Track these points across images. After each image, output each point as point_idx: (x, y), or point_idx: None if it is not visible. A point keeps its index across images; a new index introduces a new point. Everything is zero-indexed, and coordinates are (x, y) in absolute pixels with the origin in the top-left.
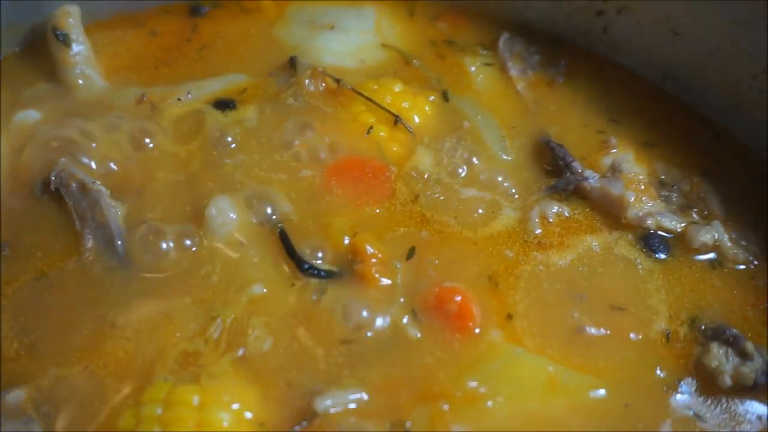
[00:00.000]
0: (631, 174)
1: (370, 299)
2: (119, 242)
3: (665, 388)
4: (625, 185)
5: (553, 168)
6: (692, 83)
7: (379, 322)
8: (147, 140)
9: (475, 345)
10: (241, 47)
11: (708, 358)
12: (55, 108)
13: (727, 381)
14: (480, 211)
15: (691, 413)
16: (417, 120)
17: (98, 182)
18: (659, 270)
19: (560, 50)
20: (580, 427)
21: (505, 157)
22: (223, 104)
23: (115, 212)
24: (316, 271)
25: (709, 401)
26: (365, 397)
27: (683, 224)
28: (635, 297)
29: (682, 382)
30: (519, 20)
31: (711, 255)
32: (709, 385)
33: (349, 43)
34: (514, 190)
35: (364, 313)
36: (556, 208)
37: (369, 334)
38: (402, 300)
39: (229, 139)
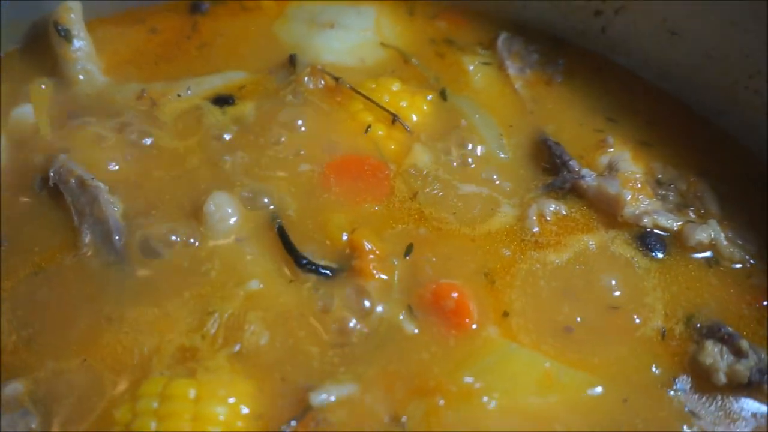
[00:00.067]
0: (627, 173)
1: (368, 295)
2: (117, 237)
3: (660, 386)
4: (622, 184)
5: (550, 166)
6: (689, 83)
7: (376, 317)
8: (146, 136)
9: (471, 341)
10: (241, 45)
11: (703, 355)
12: (55, 103)
13: (722, 378)
14: (477, 208)
15: (686, 410)
16: (415, 118)
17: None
18: (656, 268)
19: (558, 50)
20: (576, 422)
21: (502, 155)
22: (222, 100)
23: (114, 208)
24: (313, 267)
25: (704, 398)
26: (360, 391)
27: (680, 223)
28: (631, 295)
29: (677, 380)
30: (518, 20)
31: (707, 253)
32: (704, 382)
33: (349, 41)
34: (511, 188)
35: (361, 309)
36: (554, 206)
37: (365, 329)
38: (399, 296)
39: (228, 135)
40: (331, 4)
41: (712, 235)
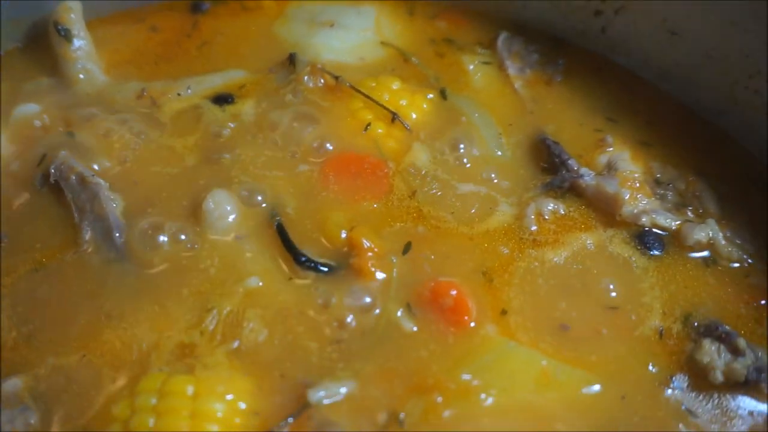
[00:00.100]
0: (626, 172)
1: (366, 293)
2: (117, 234)
3: (657, 384)
4: (621, 183)
5: (549, 165)
6: (689, 83)
7: (374, 315)
8: (146, 135)
9: (469, 339)
10: (241, 44)
11: (700, 354)
12: (55, 102)
13: (719, 377)
14: (476, 207)
15: (683, 408)
16: (414, 117)
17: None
18: (653, 267)
19: (558, 50)
20: (574, 420)
21: (501, 154)
22: (222, 99)
23: (114, 205)
24: (312, 264)
25: (701, 397)
26: (359, 388)
27: (678, 222)
28: (629, 294)
29: (674, 378)
30: (518, 20)
31: (705, 253)
32: (701, 381)
33: (349, 40)
34: (510, 187)
35: (360, 306)
36: (552, 205)
37: (364, 327)
38: (397, 294)
39: (227, 133)
40: (331, 4)
41: (711, 235)
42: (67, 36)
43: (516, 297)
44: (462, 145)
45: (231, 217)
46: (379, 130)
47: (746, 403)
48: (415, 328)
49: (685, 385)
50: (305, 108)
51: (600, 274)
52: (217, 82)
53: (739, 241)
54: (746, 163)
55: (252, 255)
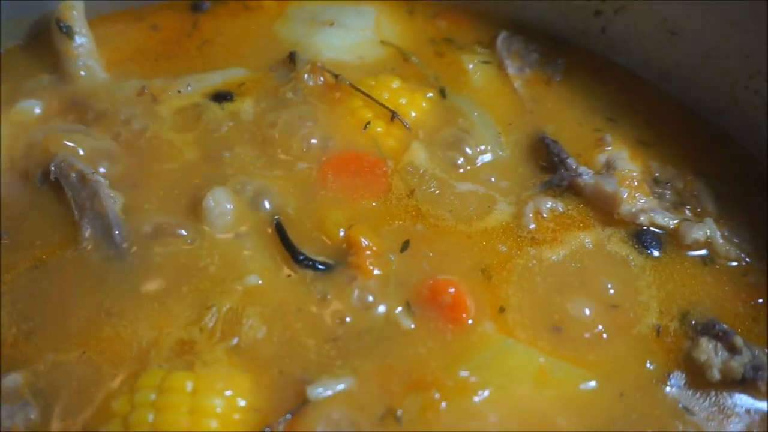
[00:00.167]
0: (625, 171)
1: (364, 290)
2: (117, 232)
3: (655, 381)
4: (619, 182)
5: (547, 164)
6: (688, 83)
7: (373, 312)
8: (146, 132)
9: (467, 336)
10: (241, 44)
11: (697, 352)
12: (56, 98)
13: (716, 375)
14: (474, 206)
15: (680, 406)
16: (414, 116)
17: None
18: (651, 266)
19: (558, 49)
20: (571, 417)
21: (500, 153)
22: (221, 97)
23: (114, 202)
24: (311, 262)
25: (698, 395)
26: (357, 385)
27: (676, 221)
28: (627, 292)
29: (671, 376)
30: (518, 20)
31: (703, 251)
32: (698, 378)
33: (349, 39)
34: (508, 186)
35: (358, 304)
36: (550, 203)
37: (362, 324)
38: (396, 291)
39: (226, 131)
40: (331, 3)
41: (708, 234)
42: (68, 33)
43: (514, 295)
44: (461, 144)
45: (230, 215)
46: (379, 129)
47: (743, 401)
48: (413, 326)
49: (683, 382)
50: (305, 106)
51: (598, 273)
52: (217, 79)
53: (737, 240)
54: (745, 163)
55: (251, 253)
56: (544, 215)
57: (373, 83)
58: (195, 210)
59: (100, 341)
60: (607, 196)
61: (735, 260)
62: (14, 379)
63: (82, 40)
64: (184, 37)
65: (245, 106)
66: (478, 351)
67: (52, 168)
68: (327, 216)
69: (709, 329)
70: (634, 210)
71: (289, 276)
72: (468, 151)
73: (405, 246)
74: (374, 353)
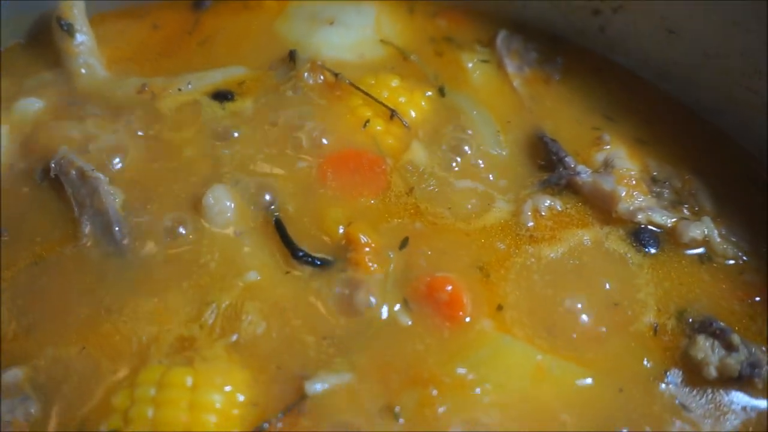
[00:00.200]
0: (623, 170)
1: (363, 287)
2: (117, 229)
3: (652, 379)
4: (617, 180)
5: (546, 163)
6: (686, 82)
7: (371, 309)
8: (146, 130)
9: (464, 333)
10: (241, 42)
11: (694, 349)
12: (57, 96)
13: (713, 372)
14: (473, 203)
15: (677, 403)
16: (413, 114)
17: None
18: (649, 264)
19: (557, 48)
20: (569, 414)
21: (499, 151)
22: (222, 95)
23: (114, 199)
24: (310, 259)
25: (694, 392)
26: (355, 381)
27: (673, 219)
28: (625, 290)
29: (668, 373)
30: (517, 19)
31: (700, 250)
32: (695, 376)
33: (349, 37)
34: (507, 184)
35: (356, 301)
36: (549, 201)
37: (360, 320)
38: (394, 288)
39: (226, 129)
40: (331, 2)
41: (706, 232)
42: (69, 31)
43: (512, 292)
44: (460, 143)
45: (230, 213)
46: (378, 127)
47: (740, 398)
48: (410, 323)
49: (680, 380)
50: (305, 105)
51: (596, 271)
52: (217, 78)
53: (734, 239)
54: (743, 162)
55: (251, 249)
56: (543, 213)
57: (373, 82)
58: (195, 207)
59: (100, 337)
60: (605, 195)
61: (732, 258)
62: (15, 374)
63: (83, 38)
64: (184, 36)
65: (246, 105)
66: (475, 348)
67: (52, 165)
68: (326, 213)
69: (706, 327)
70: (632, 208)
71: (288, 272)
72: (467, 149)
73: (404, 243)
74: (372, 350)
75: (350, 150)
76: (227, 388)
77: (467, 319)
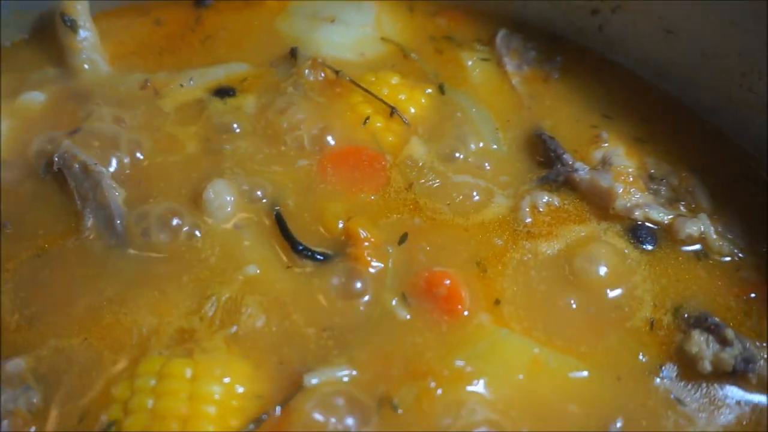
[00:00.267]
0: (620, 167)
1: (362, 281)
2: (119, 222)
3: (647, 373)
4: (614, 177)
5: (544, 160)
6: (684, 81)
7: (370, 303)
8: (148, 125)
9: (462, 327)
10: (243, 39)
11: (689, 344)
12: (60, 91)
13: (707, 366)
14: (472, 199)
15: (672, 397)
16: (413, 111)
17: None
18: (646, 260)
19: (556, 47)
20: (565, 406)
21: (498, 148)
22: (223, 92)
23: (116, 193)
24: (309, 253)
25: (689, 386)
26: (353, 374)
27: (670, 216)
28: (621, 286)
29: (663, 368)
30: (517, 18)
31: (697, 247)
32: (690, 370)
33: (349, 35)
34: (506, 181)
35: (356, 294)
36: (547, 198)
37: (359, 314)
38: (393, 283)
39: (228, 125)
40: (332, 1)
41: (702, 229)
42: (73, 27)
43: (509, 287)
44: (459, 140)
45: (230, 207)
46: (378, 124)
47: (734, 392)
48: (409, 317)
49: (675, 374)
50: (305, 101)
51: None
52: (219, 74)
53: (730, 236)
54: (740, 161)
55: (250, 243)
56: (541, 209)
57: (373, 79)
58: (196, 201)
59: (102, 328)
60: (603, 191)
61: (728, 255)
62: (17, 364)
63: (86, 34)
64: (187, 32)
65: (247, 101)
66: (473, 341)
67: (56, 159)
68: (326, 208)
69: (701, 322)
70: (629, 205)
71: (288, 266)
72: (466, 146)
73: (403, 238)
74: (371, 343)
75: (350, 146)
76: (226, 380)
77: (465, 313)
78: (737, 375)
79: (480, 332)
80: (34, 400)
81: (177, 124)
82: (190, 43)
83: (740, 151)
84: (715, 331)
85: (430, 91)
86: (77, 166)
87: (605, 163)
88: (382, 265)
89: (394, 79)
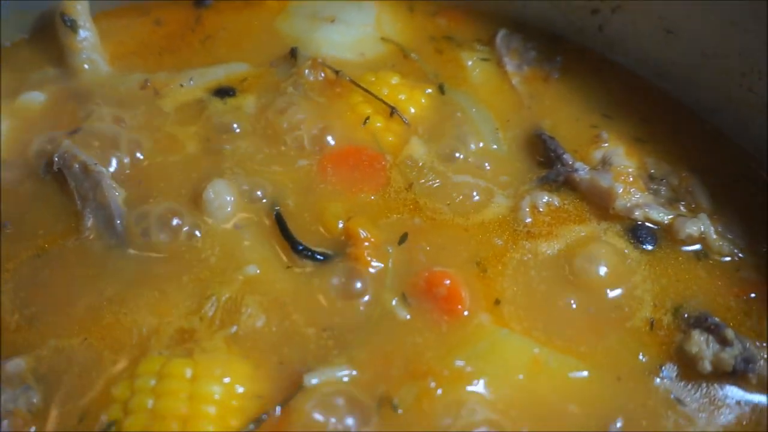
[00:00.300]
0: (620, 167)
1: (362, 281)
2: (119, 222)
3: (647, 373)
4: (614, 177)
5: (544, 159)
6: (684, 81)
7: (370, 303)
8: (148, 125)
9: (462, 327)
10: (243, 39)
11: (689, 344)
12: (60, 91)
13: (707, 366)
14: (472, 199)
15: (672, 397)
16: (413, 111)
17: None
18: (646, 260)
19: (556, 47)
20: (565, 406)
21: (498, 148)
22: (223, 92)
23: (116, 193)
24: (309, 253)
25: (689, 386)
26: (353, 374)
27: (670, 216)
28: (621, 286)
29: (663, 368)
30: (517, 18)
31: (697, 247)
32: (690, 370)
33: (350, 35)
34: (506, 181)
35: (356, 294)
36: (547, 198)
37: (359, 314)
38: (393, 283)
39: (228, 125)
40: (332, 1)
41: (702, 229)
42: (73, 27)
43: (509, 287)
44: (459, 140)
45: (230, 207)
46: (378, 124)
47: (734, 392)
48: (409, 317)
49: (675, 374)
50: (305, 101)
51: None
52: (219, 74)
53: (730, 236)
54: (740, 161)
55: (250, 243)
56: (541, 209)
57: (373, 79)
58: (196, 201)
59: (102, 328)
60: (603, 191)
61: (728, 255)
62: (17, 364)
63: (87, 33)
64: (187, 32)
65: (247, 101)
66: (473, 341)
67: (56, 159)
68: (326, 208)
69: (701, 322)
70: (629, 205)
71: (288, 266)
72: (466, 146)
73: (403, 238)
74: (371, 343)
75: (350, 146)
76: (226, 380)
77: (465, 313)
78: (737, 375)
79: (480, 332)
80: (34, 400)
81: (177, 124)
82: (190, 43)
83: (740, 151)
84: (715, 331)
85: (430, 91)
86: (77, 166)
87: (605, 163)
88: (382, 265)
89: (394, 79)
